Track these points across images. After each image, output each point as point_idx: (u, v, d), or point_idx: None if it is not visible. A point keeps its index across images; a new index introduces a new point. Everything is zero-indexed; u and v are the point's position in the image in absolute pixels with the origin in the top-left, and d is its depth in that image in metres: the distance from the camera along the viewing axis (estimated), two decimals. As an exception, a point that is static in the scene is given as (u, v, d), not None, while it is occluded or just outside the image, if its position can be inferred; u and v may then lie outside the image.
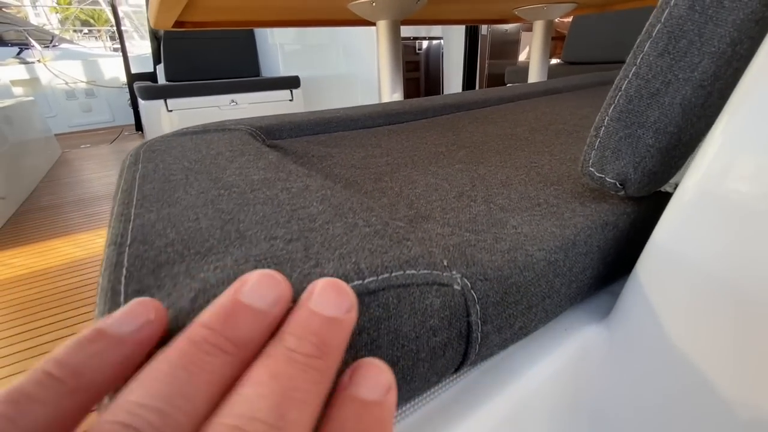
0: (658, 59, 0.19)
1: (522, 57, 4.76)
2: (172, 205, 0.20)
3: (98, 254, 1.20)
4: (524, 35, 4.78)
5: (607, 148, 0.21)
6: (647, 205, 0.24)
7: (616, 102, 0.21)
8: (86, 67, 3.69)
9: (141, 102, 2.27)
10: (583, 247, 0.20)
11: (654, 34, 0.19)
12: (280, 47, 2.84)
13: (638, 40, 0.20)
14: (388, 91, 1.07)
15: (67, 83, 3.56)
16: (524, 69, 1.80)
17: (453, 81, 3.13)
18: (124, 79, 3.93)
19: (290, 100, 2.46)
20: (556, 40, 4.87)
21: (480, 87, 3.21)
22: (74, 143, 3.07)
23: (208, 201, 0.20)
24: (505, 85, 2.25)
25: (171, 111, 2.21)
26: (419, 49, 2.86)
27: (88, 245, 1.27)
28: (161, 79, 3.06)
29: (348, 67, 3.03)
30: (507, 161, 0.34)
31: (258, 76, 3.25)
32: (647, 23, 0.20)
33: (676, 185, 0.23)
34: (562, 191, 0.25)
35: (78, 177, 2.10)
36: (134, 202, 0.21)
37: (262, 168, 0.26)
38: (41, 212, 1.58)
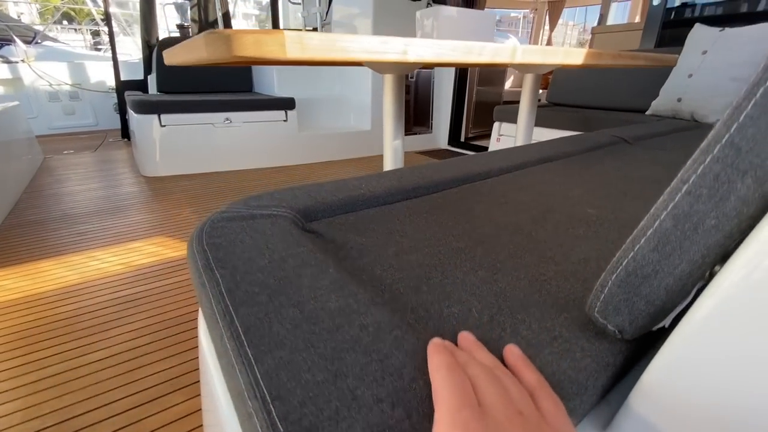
0: (650, 253, 0.26)
1: (507, 85, 4.99)
2: (279, 345, 0.25)
3: (93, 280, 1.20)
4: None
5: (610, 305, 0.28)
6: (637, 343, 0.31)
7: (617, 273, 0.28)
8: (71, 68, 3.62)
9: (133, 115, 2.26)
10: (591, 390, 0.27)
11: (648, 234, 0.26)
12: (276, 68, 2.88)
13: (634, 234, 0.27)
14: (390, 137, 1.14)
15: (51, 85, 3.48)
16: (513, 110, 1.90)
17: (443, 107, 3.25)
18: (110, 83, 3.87)
19: (284, 121, 2.51)
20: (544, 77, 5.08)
21: (468, 114, 3.33)
22: (56, 148, 3.00)
23: (307, 343, 0.26)
24: (493, 120, 2.36)
25: (164, 126, 2.21)
26: (411, 77, 2.97)
27: (82, 268, 1.27)
28: (152, 89, 3.04)
29: (341, 90, 3.10)
30: (520, 270, 0.40)
31: (251, 91, 3.28)
32: (642, 223, 0.27)
33: (659, 328, 0.30)
34: (571, 321, 0.32)
35: (63, 188, 2.06)
36: (243, 338, 0.26)
37: (330, 289, 0.32)
38: (27, 228, 1.56)
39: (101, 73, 3.75)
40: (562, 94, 2.41)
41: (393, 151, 1.14)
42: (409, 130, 3.12)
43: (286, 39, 0.54)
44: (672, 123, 1.46)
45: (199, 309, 0.39)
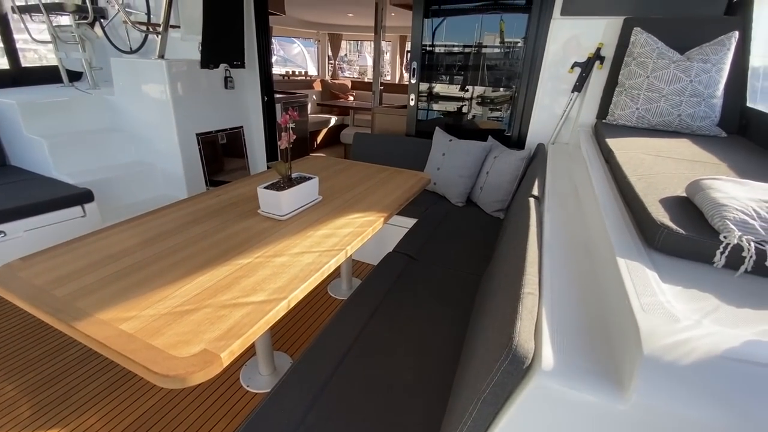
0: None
1: (309, 111, 5.50)
2: None
3: None
4: (311, 95, 5.50)
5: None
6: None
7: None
8: None
9: None
10: None
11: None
12: (46, 141, 2.40)
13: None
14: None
15: None
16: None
17: (255, 142, 3.35)
18: None
19: (82, 217, 2.20)
20: (337, 107, 5.76)
21: (282, 151, 3.57)
22: None
23: None
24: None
25: None
26: (222, 139, 3.01)
27: None
28: None
29: (141, 155, 2.85)
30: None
31: (4, 165, 2.60)
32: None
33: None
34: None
35: None
36: None
37: None
38: None
39: None
40: (362, 153, 2.95)
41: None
42: (222, 169, 3.10)
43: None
44: (433, 217, 2.17)
45: None
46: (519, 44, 2.43)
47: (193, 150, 2.76)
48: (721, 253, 0.75)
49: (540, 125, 2.37)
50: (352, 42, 7.96)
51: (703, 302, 0.66)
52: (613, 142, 1.49)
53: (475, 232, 1.97)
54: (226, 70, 2.93)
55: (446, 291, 1.47)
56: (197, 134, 2.77)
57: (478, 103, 2.72)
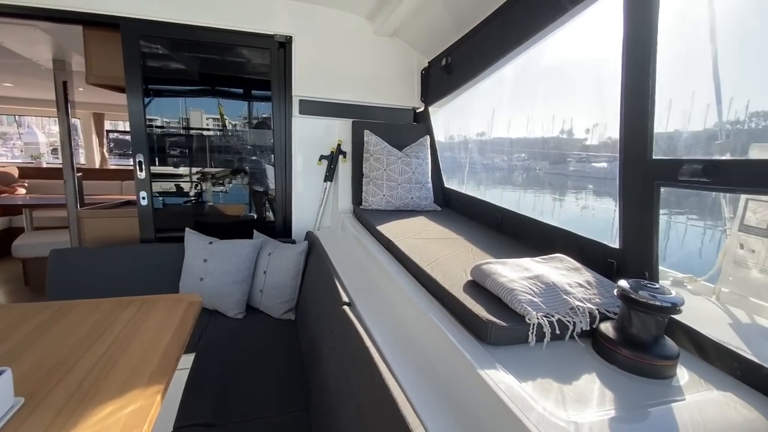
0: None
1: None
2: None
3: None
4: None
5: None
6: None
7: None
8: None
9: None
10: None
11: None
12: None
13: None
14: None
15: None
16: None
17: None
18: None
19: None
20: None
21: None
22: None
23: None
24: None
25: None
26: None
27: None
28: None
29: None
30: None
31: None
32: None
33: None
34: None
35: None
36: None
37: None
38: None
39: None
40: (69, 279, 2.01)
41: None
42: None
43: None
44: (213, 345, 1.71)
45: None
46: (244, 126, 2.51)
47: None
48: (532, 333, 0.91)
49: (302, 213, 2.40)
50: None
51: (554, 391, 0.75)
52: (385, 230, 1.65)
53: (272, 348, 1.68)
54: None
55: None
56: None
57: (205, 179, 2.53)
